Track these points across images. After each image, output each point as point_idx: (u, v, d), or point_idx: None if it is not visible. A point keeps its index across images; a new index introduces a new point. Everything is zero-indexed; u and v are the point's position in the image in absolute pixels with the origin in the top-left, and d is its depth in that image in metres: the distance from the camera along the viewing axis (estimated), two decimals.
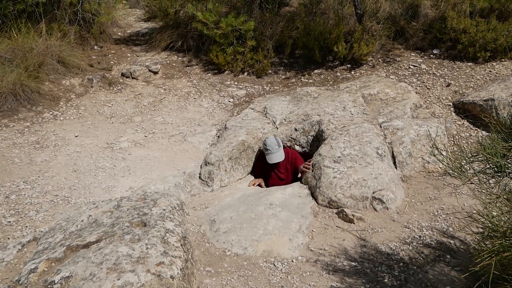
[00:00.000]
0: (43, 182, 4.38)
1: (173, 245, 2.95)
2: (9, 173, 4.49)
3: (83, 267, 2.65)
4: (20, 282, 2.67)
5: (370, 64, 6.64)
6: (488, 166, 2.17)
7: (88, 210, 3.45)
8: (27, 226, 3.72)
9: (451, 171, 2.35)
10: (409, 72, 6.31)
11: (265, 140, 4.69)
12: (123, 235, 2.95)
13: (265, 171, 4.89)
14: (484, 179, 2.24)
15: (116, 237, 2.94)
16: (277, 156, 4.65)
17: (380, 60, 6.70)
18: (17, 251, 3.11)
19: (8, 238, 3.55)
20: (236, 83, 6.67)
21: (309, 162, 4.48)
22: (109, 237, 2.95)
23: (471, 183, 2.36)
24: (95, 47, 7.56)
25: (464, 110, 5.50)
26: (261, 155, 4.94)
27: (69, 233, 3.13)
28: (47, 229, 3.42)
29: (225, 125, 5.29)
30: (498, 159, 2.05)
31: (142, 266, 2.66)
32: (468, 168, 2.43)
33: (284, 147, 4.90)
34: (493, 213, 2.21)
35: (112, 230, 3.05)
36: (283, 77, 6.73)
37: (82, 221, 3.28)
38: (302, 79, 6.58)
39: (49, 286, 2.56)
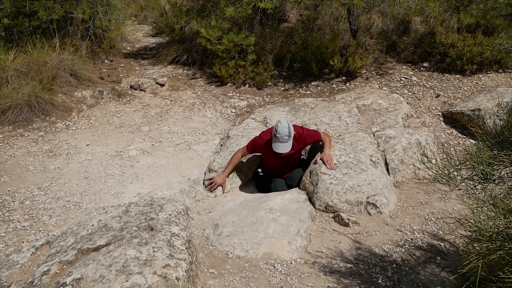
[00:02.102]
0: (56, 189, 4.38)
1: (178, 248, 2.94)
2: (24, 180, 4.50)
3: (93, 269, 2.65)
4: (34, 283, 2.67)
5: (364, 76, 6.66)
6: (475, 173, 2.18)
7: (98, 215, 3.45)
8: (40, 230, 3.73)
9: (439, 178, 2.35)
10: (400, 84, 6.33)
11: (277, 123, 4.05)
12: (131, 239, 2.95)
13: (265, 150, 4.37)
14: (471, 186, 2.25)
15: (124, 240, 2.94)
16: (283, 146, 4.07)
17: (373, 72, 6.72)
18: (31, 254, 3.11)
19: (23, 242, 3.56)
20: (238, 94, 6.68)
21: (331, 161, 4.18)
22: (118, 240, 2.95)
23: (459, 189, 2.36)
24: (106, 61, 7.59)
25: (452, 119, 5.51)
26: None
27: (80, 237, 3.13)
28: (59, 233, 3.42)
29: (228, 134, 5.29)
30: (484, 167, 2.06)
31: (149, 268, 2.65)
32: (456, 175, 2.43)
33: (301, 128, 4.34)
34: (481, 217, 2.21)
35: (121, 234, 3.05)
36: (282, 88, 6.75)
37: (92, 225, 3.28)
38: (300, 91, 6.60)
39: (61, 287, 2.56)
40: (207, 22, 7.08)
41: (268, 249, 3.41)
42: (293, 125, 4.20)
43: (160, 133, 5.68)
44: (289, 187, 4.53)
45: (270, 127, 4.80)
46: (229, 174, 4.43)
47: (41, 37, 6.68)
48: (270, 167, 4.60)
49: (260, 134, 4.36)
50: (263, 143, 4.28)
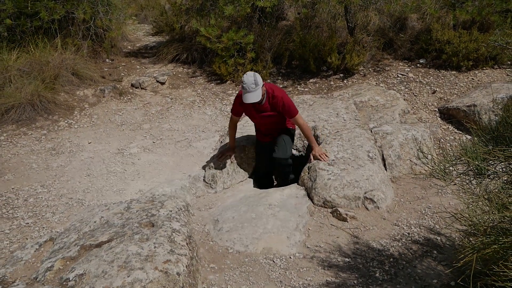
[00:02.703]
0: (59, 186, 4.38)
1: (179, 244, 2.94)
2: (27, 178, 4.50)
3: (95, 265, 2.65)
4: (38, 279, 2.68)
5: (361, 73, 6.64)
6: (470, 168, 2.18)
7: (100, 211, 3.46)
8: (44, 227, 3.73)
9: (435, 173, 2.35)
10: (397, 81, 6.31)
11: (244, 75, 3.97)
12: (132, 235, 2.96)
13: (246, 109, 4.30)
14: (467, 181, 2.24)
15: (126, 237, 2.94)
16: (251, 96, 3.91)
17: (370, 69, 6.70)
18: (35, 251, 3.11)
19: (27, 239, 3.56)
20: (237, 92, 6.67)
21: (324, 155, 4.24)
22: (120, 237, 2.95)
23: (454, 184, 2.36)
24: (107, 60, 7.57)
25: (448, 115, 5.50)
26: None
27: (82, 234, 3.13)
28: (63, 229, 3.42)
29: (228, 132, 5.29)
30: (479, 162, 2.05)
31: (150, 263, 2.66)
32: (451, 170, 2.43)
33: (273, 89, 4.16)
34: (476, 211, 2.21)
35: (123, 230, 3.05)
36: (281, 86, 6.74)
37: (94, 222, 3.28)
38: (298, 88, 6.58)
39: (64, 283, 2.56)
40: (206, 21, 7.05)
41: (267, 244, 3.42)
42: (270, 84, 4.21)
43: (161, 130, 5.67)
44: (272, 159, 4.42)
45: None
46: (234, 144, 4.61)
47: (43, 37, 6.66)
48: (257, 127, 4.58)
49: (237, 94, 4.34)
50: (240, 99, 4.17)
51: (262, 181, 4.86)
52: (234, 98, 4.52)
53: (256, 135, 4.63)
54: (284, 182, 4.70)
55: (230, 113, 4.45)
